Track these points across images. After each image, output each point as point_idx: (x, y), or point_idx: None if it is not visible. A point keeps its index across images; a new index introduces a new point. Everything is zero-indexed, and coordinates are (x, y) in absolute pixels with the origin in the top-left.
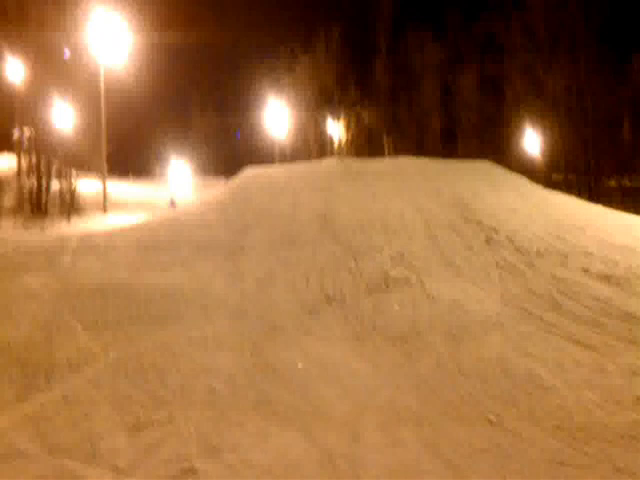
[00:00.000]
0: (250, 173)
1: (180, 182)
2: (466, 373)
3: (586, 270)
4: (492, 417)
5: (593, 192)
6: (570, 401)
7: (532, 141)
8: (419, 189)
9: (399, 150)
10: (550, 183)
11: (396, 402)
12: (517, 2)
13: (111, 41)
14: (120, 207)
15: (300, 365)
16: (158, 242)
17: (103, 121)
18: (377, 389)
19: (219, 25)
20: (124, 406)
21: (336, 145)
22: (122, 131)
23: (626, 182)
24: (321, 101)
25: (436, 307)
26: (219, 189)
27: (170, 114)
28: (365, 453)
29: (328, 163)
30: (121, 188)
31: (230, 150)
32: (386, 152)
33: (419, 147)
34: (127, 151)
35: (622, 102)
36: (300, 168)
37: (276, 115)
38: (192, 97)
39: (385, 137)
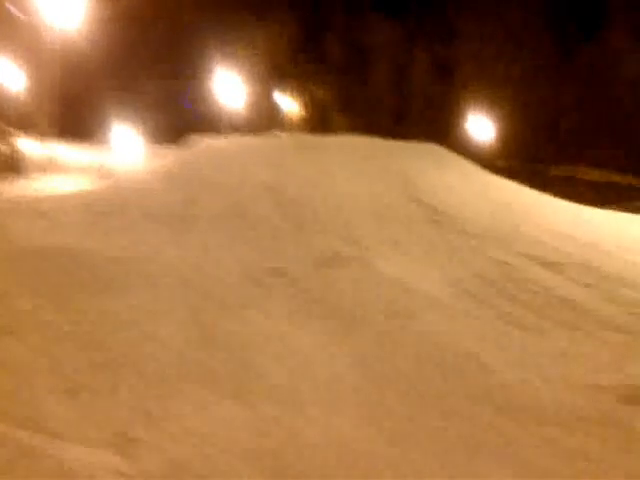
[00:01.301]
0: (200, 143)
1: (128, 148)
2: (408, 351)
3: (526, 254)
4: (432, 397)
5: (536, 179)
6: (511, 382)
7: (480, 127)
8: (369, 168)
9: (350, 128)
10: (496, 169)
11: (340, 378)
12: None
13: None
14: (66, 170)
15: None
16: (104, 207)
17: (49, 82)
18: (319, 363)
19: None
20: (64, 373)
21: (287, 120)
22: (71, 94)
23: (568, 171)
24: (274, 75)
25: (380, 285)
26: (168, 157)
27: (120, 79)
28: (305, 423)
29: (280, 137)
30: (68, 151)
31: (180, 119)
32: (337, 129)
33: (370, 126)
34: (77, 115)
35: (567, 92)
36: (251, 141)
37: (228, 86)
38: (142, 61)
39: (337, 114)
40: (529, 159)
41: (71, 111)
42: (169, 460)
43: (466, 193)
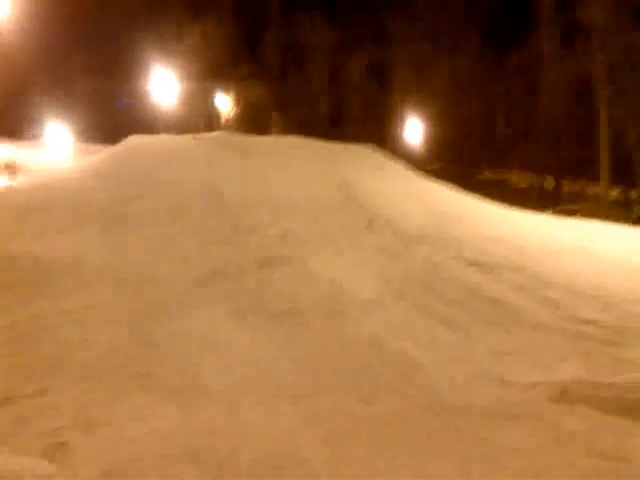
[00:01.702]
0: (135, 141)
1: (59, 146)
2: (343, 351)
3: (458, 256)
4: (366, 395)
5: (468, 183)
6: (439, 379)
7: (414, 129)
8: (305, 169)
9: (287, 129)
10: (430, 171)
11: (276, 378)
12: None
13: None
14: None
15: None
16: (33, 207)
17: None
18: (258, 364)
19: None
20: None
21: (224, 119)
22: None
23: (498, 175)
24: (210, 74)
25: (317, 286)
26: (102, 156)
27: (52, 75)
28: (244, 426)
29: (216, 137)
30: None
31: (115, 117)
32: (274, 130)
33: (307, 127)
34: (3, 111)
35: (497, 97)
36: (188, 140)
37: (163, 84)
38: (75, 58)
39: (273, 115)
40: (461, 162)
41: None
42: (103, 465)
43: (400, 195)
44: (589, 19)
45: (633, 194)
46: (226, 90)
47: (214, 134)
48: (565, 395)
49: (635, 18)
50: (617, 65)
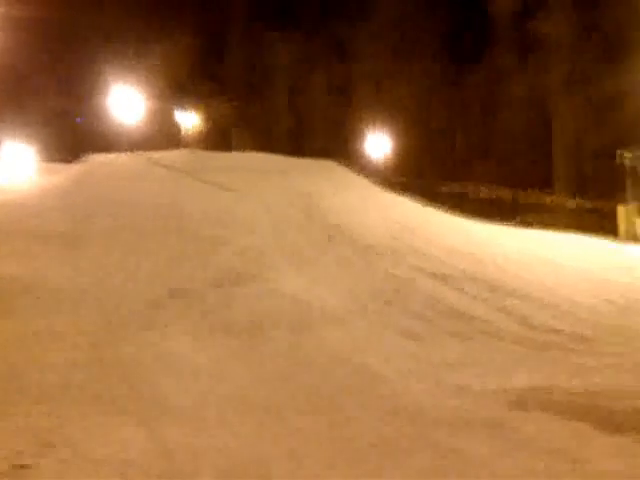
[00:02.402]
0: (95, 160)
1: (17, 165)
2: (306, 365)
3: (419, 269)
4: (331, 408)
5: (427, 196)
6: (401, 390)
7: (375, 144)
8: (267, 185)
9: (249, 145)
10: (390, 185)
11: (239, 395)
12: (363, 11)
13: None
14: None
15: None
16: None
17: None
18: (220, 382)
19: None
20: None
21: (186, 136)
22: None
23: (456, 188)
24: (172, 91)
25: (280, 302)
26: (61, 175)
27: (9, 93)
28: (206, 445)
29: (177, 154)
30: None
31: (74, 135)
32: (235, 147)
33: (268, 143)
34: None
35: (456, 112)
36: (148, 157)
37: (124, 102)
38: (33, 76)
39: (235, 131)
40: (422, 175)
41: None
42: None
43: (362, 210)
44: (543, 35)
45: (587, 204)
46: (188, 107)
47: (174, 152)
48: (523, 402)
49: (587, 33)
50: (571, 79)
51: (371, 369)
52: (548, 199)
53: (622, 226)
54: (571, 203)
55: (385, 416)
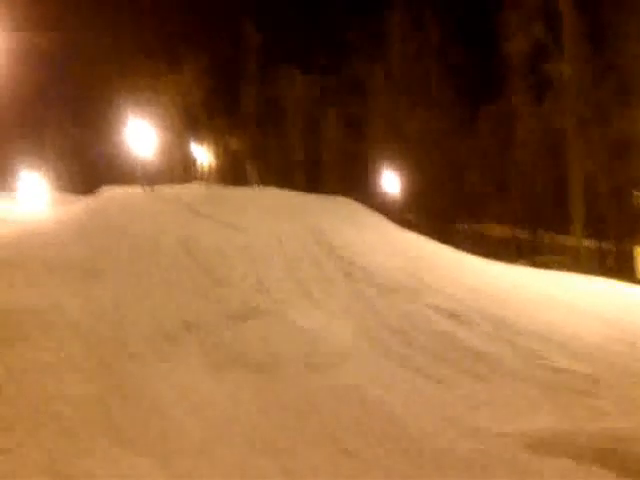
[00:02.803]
0: (110, 192)
1: (33, 197)
2: (322, 402)
3: (435, 307)
4: (346, 445)
5: (444, 234)
6: (417, 429)
7: (390, 181)
8: (282, 221)
9: (264, 180)
10: (405, 222)
11: (254, 430)
12: (379, 48)
13: None
14: None
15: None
16: (6, 260)
17: None
18: (235, 417)
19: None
20: None
21: (201, 170)
22: None
23: (473, 226)
24: (187, 125)
25: (294, 337)
26: (76, 207)
27: (25, 126)
28: (220, 478)
29: (193, 188)
30: None
31: (90, 168)
32: (251, 181)
33: (284, 178)
34: None
35: (472, 150)
36: (164, 191)
37: (139, 135)
38: (49, 109)
39: (250, 166)
40: (436, 213)
41: None
42: None
43: (376, 246)
44: (558, 75)
45: (604, 245)
46: (203, 141)
47: (189, 186)
48: (541, 445)
49: (602, 73)
50: (586, 119)
51: (386, 408)
52: (564, 239)
53: (639, 267)
54: (588, 243)
55: (401, 457)
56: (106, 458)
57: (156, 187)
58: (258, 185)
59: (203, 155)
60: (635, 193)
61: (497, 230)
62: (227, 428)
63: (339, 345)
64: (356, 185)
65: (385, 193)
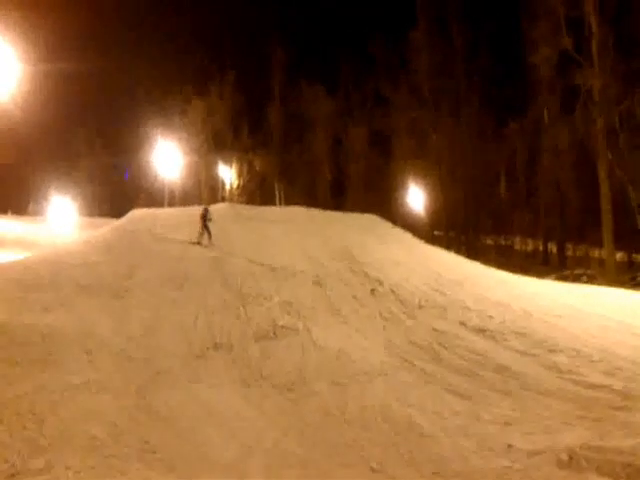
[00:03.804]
0: (138, 214)
1: (63, 221)
2: (350, 420)
3: (463, 323)
4: (374, 464)
5: (471, 249)
6: (447, 448)
7: (416, 196)
8: (309, 239)
9: (290, 198)
10: (432, 238)
11: (282, 447)
12: (404, 63)
13: None
14: None
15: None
16: (39, 281)
17: None
18: (263, 434)
19: (110, 61)
20: (0, 454)
21: (227, 190)
22: (5, 165)
23: (501, 240)
24: (213, 145)
25: (322, 355)
26: (105, 229)
27: (56, 150)
28: None
29: (219, 208)
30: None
31: (118, 190)
32: (277, 200)
33: (310, 196)
34: (8, 186)
35: (499, 163)
36: (190, 212)
37: (167, 157)
38: (79, 134)
39: (276, 185)
40: (464, 228)
41: (4, 183)
42: None
43: (403, 263)
44: (587, 84)
45: (636, 258)
46: (230, 161)
47: (216, 206)
48: (573, 461)
49: (630, 85)
50: (616, 129)
51: (418, 426)
52: (595, 252)
53: None
54: (619, 256)
55: (434, 476)
56: (138, 478)
57: (183, 208)
58: (286, 203)
59: (230, 175)
60: None
61: (526, 243)
62: (256, 444)
63: (367, 363)
64: (382, 201)
65: (411, 209)
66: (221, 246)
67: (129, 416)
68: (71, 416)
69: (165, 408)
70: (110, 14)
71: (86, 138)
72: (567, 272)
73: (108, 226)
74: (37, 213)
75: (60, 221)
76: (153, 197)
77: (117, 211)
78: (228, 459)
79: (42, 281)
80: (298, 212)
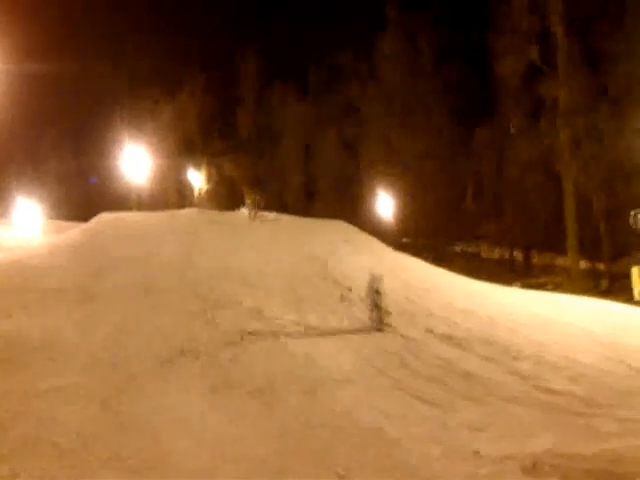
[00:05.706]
0: (106, 218)
1: (29, 223)
2: (319, 426)
3: (430, 330)
4: (340, 470)
5: (439, 256)
6: (414, 454)
7: (385, 204)
8: (278, 245)
9: (260, 204)
10: (400, 245)
11: (251, 454)
12: (373, 71)
13: None
14: None
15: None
16: (2, 286)
17: None
18: (233, 441)
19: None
20: None
21: (196, 195)
22: None
23: (469, 248)
24: (183, 150)
25: (291, 361)
26: (72, 232)
27: (22, 152)
28: None
29: (188, 213)
30: None
31: (86, 194)
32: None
33: (280, 202)
34: None
35: (467, 172)
36: (159, 216)
37: (135, 161)
38: (46, 136)
39: (246, 190)
40: (431, 235)
41: None
42: None
43: (372, 269)
44: (552, 95)
45: (600, 266)
46: (199, 166)
47: (184, 211)
48: (538, 467)
49: (596, 94)
50: (581, 140)
51: (385, 433)
52: (561, 260)
53: (637, 288)
54: (584, 264)
55: None
56: None
57: (151, 212)
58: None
59: (199, 180)
60: (632, 213)
61: (492, 251)
62: (225, 452)
63: (336, 369)
64: (352, 208)
65: (380, 215)
66: (189, 251)
67: (95, 423)
68: (36, 424)
69: (132, 415)
70: (79, 16)
71: (53, 140)
72: (532, 280)
73: (75, 229)
74: (1, 215)
75: (25, 224)
76: (121, 201)
77: (84, 215)
78: (198, 467)
79: (5, 286)
80: (266, 218)
